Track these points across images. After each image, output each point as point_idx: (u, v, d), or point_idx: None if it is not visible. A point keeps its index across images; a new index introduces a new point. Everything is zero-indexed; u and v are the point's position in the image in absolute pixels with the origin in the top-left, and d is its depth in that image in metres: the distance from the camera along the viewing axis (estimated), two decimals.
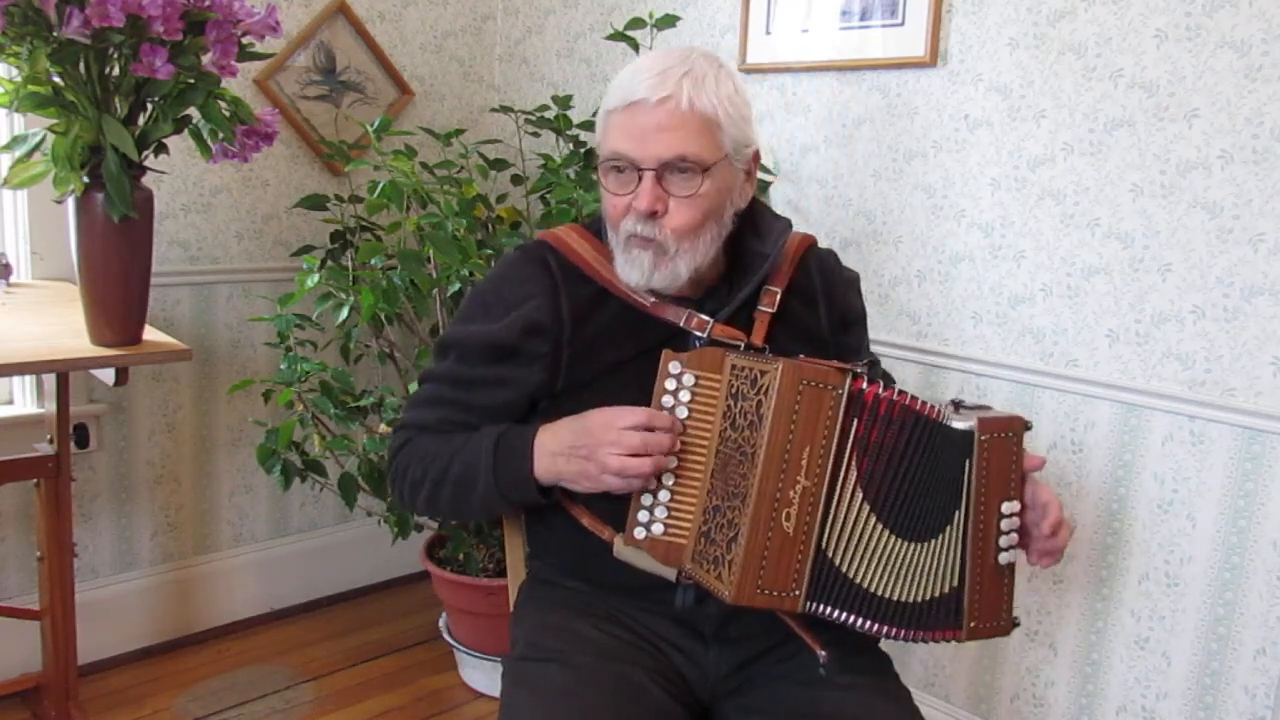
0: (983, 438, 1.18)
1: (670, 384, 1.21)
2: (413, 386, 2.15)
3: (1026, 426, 1.21)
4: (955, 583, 1.19)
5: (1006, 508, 1.19)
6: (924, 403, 1.18)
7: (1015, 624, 1.22)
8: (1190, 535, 1.79)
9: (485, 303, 1.34)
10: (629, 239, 1.25)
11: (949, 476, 1.19)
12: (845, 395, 1.14)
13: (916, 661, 2.18)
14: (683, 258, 1.25)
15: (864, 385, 1.16)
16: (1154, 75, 1.75)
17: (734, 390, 1.18)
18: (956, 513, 1.19)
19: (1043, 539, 1.22)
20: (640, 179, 1.23)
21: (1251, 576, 1.73)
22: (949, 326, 2.06)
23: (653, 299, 1.29)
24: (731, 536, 1.14)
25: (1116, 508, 1.87)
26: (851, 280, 1.45)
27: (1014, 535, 1.21)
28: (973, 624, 1.20)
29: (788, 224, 1.37)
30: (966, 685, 2.12)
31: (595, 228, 1.37)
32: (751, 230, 1.34)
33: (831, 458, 1.14)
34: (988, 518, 1.19)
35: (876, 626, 1.18)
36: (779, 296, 1.32)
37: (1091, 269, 1.86)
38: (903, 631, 1.18)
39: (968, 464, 1.18)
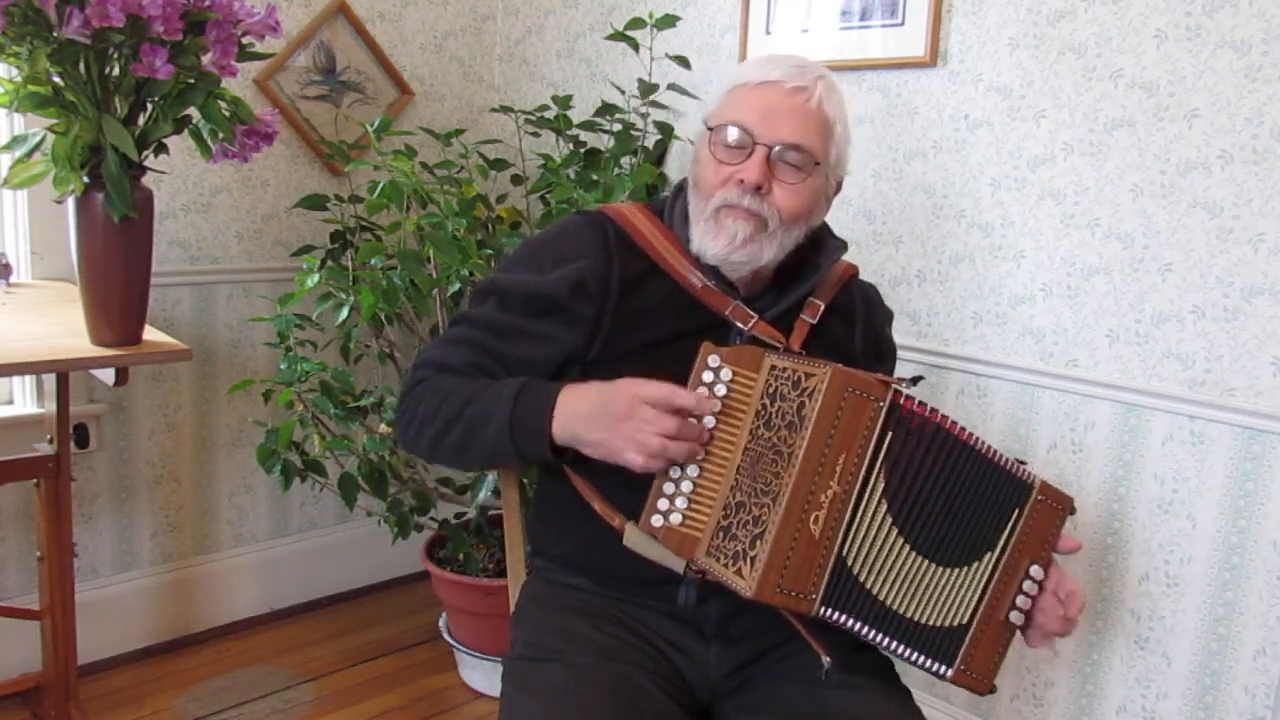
0: (1040, 497, 1.22)
1: (708, 376, 1.21)
2: None
3: (1072, 510, 1.25)
4: (965, 619, 1.21)
5: (1034, 571, 1.23)
6: (965, 430, 1.20)
7: (993, 689, 1.24)
8: (1190, 535, 1.79)
9: (536, 254, 1.33)
10: (722, 208, 1.25)
11: (993, 516, 1.21)
12: (886, 408, 1.15)
13: None
14: (774, 241, 1.26)
15: (902, 400, 1.17)
16: (1154, 75, 1.75)
17: (771, 390, 1.18)
18: (989, 553, 1.21)
19: (1057, 620, 1.23)
20: (752, 153, 1.24)
21: (1251, 576, 1.73)
22: (949, 326, 2.06)
23: (702, 284, 1.29)
24: (758, 533, 1.14)
25: (1116, 508, 1.87)
26: (889, 316, 1.49)
27: (1029, 600, 1.23)
28: (963, 667, 1.21)
29: (843, 245, 1.40)
30: None
31: (657, 207, 1.38)
32: (810, 244, 1.36)
33: (864, 467, 1.15)
34: (1014, 572, 1.22)
35: (883, 638, 1.19)
36: (821, 310, 1.34)
37: (1091, 269, 1.86)
38: (902, 648, 1.19)
39: (1018, 513, 1.21)
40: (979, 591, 1.21)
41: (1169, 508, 1.81)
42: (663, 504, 1.21)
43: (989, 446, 1.21)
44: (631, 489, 1.22)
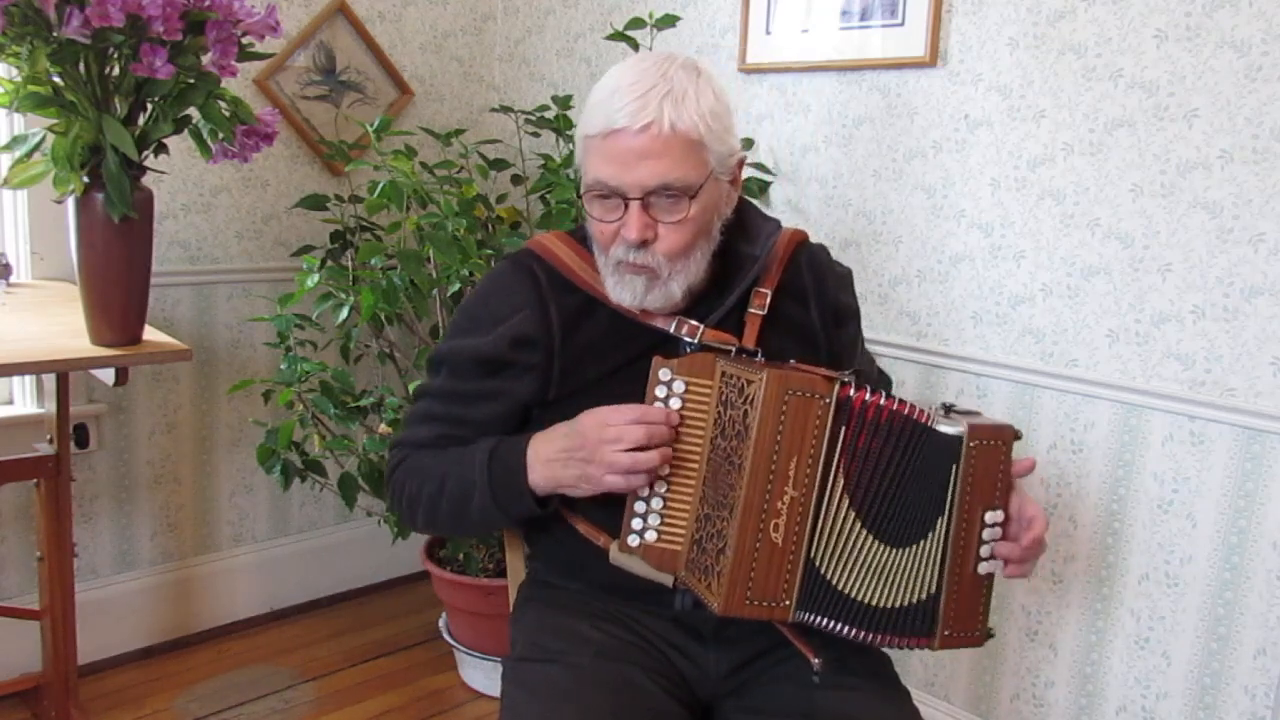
0: (971, 444, 1.16)
1: (660, 391, 1.21)
2: (413, 386, 2.15)
3: (1016, 436, 1.19)
4: (933, 589, 1.18)
5: (990, 517, 1.18)
6: (914, 406, 1.17)
7: (990, 635, 1.21)
8: (1190, 535, 1.79)
9: (473, 316, 1.34)
10: (619, 264, 1.24)
11: (935, 481, 1.17)
12: (833, 403, 1.13)
13: (917, 662, 2.18)
14: (676, 279, 1.24)
15: (851, 392, 1.14)
16: (1154, 75, 1.75)
17: (724, 398, 1.17)
18: (940, 519, 1.18)
19: (1017, 549, 1.20)
20: (626, 207, 1.20)
21: (1251, 576, 1.73)
22: (949, 326, 2.06)
23: (642, 309, 1.28)
24: (720, 547, 1.14)
25: (1116, 508, 1.87)
26: (843, 276, 1.43)
27: (992, 545, 1.19)
28: (946, 632, 1.19)
29: (776, 224, 1.37)
30: (966, 685, 2.12)
31: (580, 235, 1.35)
32: (740, 233, 1.33)
33: (820, 467, 1.14)
34: (970, 526, 1.18)
35: (860, 634, 1.17)
36: (769, 298, 1.31)
37: (1091, 269, 1.86)
38: (877, 636, 1.18)
39: (954, 469, 1.17)
40: (939, 558, 1.18)
41: (1169, 508, 1.81)
42: (636, 523, 1.22)
43: (915, 408, 1.17)
44: (609, 508, 1.23)
